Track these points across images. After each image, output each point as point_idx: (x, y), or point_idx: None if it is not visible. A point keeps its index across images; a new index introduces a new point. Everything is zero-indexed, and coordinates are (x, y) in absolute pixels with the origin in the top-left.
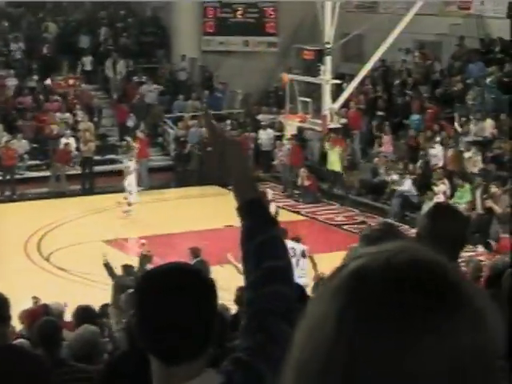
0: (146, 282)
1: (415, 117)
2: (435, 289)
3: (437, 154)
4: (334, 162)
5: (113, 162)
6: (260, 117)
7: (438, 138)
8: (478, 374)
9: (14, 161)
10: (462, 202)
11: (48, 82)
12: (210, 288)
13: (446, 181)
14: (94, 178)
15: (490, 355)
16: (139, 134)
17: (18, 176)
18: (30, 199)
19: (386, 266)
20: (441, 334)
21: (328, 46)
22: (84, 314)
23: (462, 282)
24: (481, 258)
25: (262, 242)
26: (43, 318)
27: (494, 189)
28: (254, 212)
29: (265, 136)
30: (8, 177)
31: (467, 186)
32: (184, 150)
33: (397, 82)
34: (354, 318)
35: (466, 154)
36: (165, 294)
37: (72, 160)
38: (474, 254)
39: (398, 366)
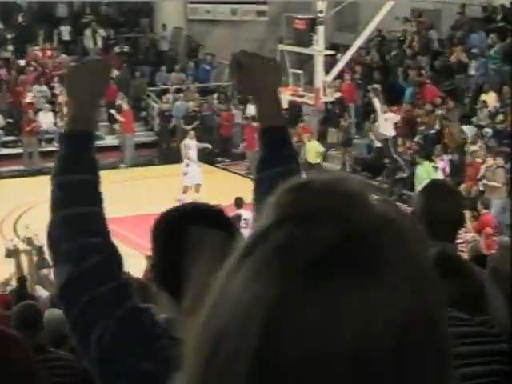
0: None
1: (410, 89)
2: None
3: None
4: (309, 153)
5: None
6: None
7: (439, 112)
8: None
9: None
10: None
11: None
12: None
13: (445, 157)
14: None
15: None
16: (124, 106)
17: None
18: (4, 177)
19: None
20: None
21: (321, 14)
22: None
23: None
24: None
25: (279, 173)
26: (23, 302)
27: (490, 161)
28: (278, 142)
29: (254, 110)
30: None
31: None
32: (169, 124)
33: (394, 52)
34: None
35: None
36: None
37: (38, 133)
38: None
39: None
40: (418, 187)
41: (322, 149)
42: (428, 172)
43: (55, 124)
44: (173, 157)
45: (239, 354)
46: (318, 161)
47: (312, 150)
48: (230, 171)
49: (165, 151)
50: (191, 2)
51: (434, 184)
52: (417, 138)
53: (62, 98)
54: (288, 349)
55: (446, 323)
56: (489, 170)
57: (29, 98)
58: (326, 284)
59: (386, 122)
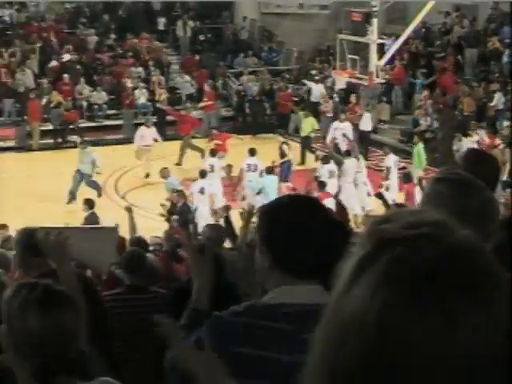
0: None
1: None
2: (473, 277)
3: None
4: (304, 129)
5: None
6: (313, 72)
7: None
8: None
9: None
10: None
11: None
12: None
13: (479, 131)
14: (165, 126)
15: None
16: (207, 89)
17: (97, 124)
18: (107, 144)
19: (427, 252)
20: (487, 309)
21: (375, 8)
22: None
23: (495, 266)
24: None
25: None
26: (130, 248)
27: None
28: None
29: (316, 89)
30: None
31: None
32: (243, 101)
33: (438, 42)
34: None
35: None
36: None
37: (135, 107)
38: None
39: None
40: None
41: (316, 126)
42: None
43: (148, 100)
44: (246, 128)
45: (364, 354)
46: (312, 135)
47: (307, 126)
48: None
49: (240, 124)
50: None
51: (471, 151)
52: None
53: (154, 78)
54: (405, 352)
55: None
56: None
57: (127, 77)
58: (442, 297)
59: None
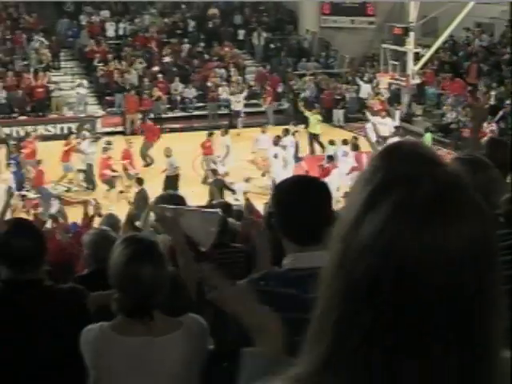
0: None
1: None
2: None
3: None
4: (312, 124)
5: (254, 105)
6: (361, 74)
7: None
8: (487, 253)
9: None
10: None
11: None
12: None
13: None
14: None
15: (494, 242)
16: (267, 87)
17: (188, 114)
18: (196, 130)
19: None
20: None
21: (412, 24)
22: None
23: (476, 195)
24: None
25: None
26: None
27: None
28: None
29: (365, 88)
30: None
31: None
32: (298, 98)
33: (461, 52)
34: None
35: None
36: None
37: (218, 101)
38: None
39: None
40: None
41: (320, 117)
42: None
43: (230, 94)
44: (299, 118)
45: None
46: (318, 127)
47: (314, 121)
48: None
49: (292, 116)
50: (323, 14)
51: (492, 138)
52: None
53: (234, 78)
54: (413, 260)
55: (497, 244)
56: None
57: (211, 78)
58: (441, 217)
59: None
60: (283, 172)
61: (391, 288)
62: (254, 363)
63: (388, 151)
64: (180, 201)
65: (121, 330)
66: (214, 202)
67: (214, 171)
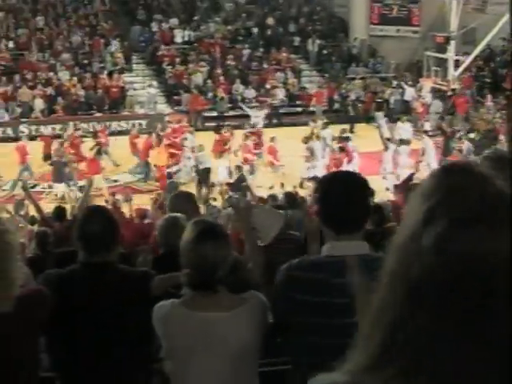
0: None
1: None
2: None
3: None
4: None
5: (297, 105)
6: (406, 79)
7: None
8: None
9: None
10: None
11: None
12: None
13: None
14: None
15: None
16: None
17: (242, 113)
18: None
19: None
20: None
21: (453, 34)
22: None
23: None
24: None
25: None
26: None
27: None
28: None
29: (409, 92)
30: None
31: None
32: (347, 101)
33: (497, 59)
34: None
35: None
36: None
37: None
38: None
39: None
40: None
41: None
42: None
43: (285, 96)
44: (344, 118)
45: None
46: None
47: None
48: None
49: (340, 116)
50: (372, 24)
51: None
52: None
53: (291, 81)
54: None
55: None
56: None
57: (270, 80)
58: (491, 229)
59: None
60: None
61: (448, 291)
62: None
63: (446, 169)
64: (191, 198)
65: (190, 305)
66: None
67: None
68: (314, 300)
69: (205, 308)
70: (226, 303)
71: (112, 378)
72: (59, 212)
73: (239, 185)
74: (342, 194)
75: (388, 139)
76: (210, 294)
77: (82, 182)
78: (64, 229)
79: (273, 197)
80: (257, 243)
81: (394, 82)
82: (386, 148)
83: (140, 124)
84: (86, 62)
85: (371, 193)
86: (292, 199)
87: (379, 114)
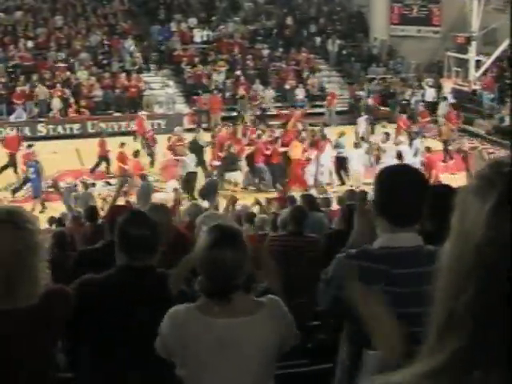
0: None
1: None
2: None
3: None
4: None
5: (317, 105)
6: (426, 80)
7: None
8: None
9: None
10: None
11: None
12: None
13: None
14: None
15: None
16: (331, 90)
17: (267, 112)
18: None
19: None
20: None
21: (474, 34)
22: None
23: None
24: None
25: None
26: (296, 204)
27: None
28: None
29: (429, 92)
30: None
31: None
32: (359, 101)
33: None
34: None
35: None
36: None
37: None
38: None
39: None
40: None
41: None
42: None
43: (305, 96)
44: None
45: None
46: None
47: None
48: None
49: (354, 116)
50: (392, 24)
51: None
52: None
53: (310, 81)
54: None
55: None
56: None
57: (289, 81)
58: None
59: None
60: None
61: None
62: (375, 363)
63: (499, 162)
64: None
65: (205, 310)
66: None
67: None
68: (374, 289)
69: (221, 314)
70: (242, 308)
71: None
72: (91, 212)
73: (208, 192)
74: (408, 186)
75: (362, 138)
76: (222, 300)
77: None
78: (94, 229)
79: (291, 198)
80: (273, 267)
81: (415, 83)
82: (356, 146)
83: (159, 124)
84: (104, 61)
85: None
86: (310, 201)
87: (363, 115)
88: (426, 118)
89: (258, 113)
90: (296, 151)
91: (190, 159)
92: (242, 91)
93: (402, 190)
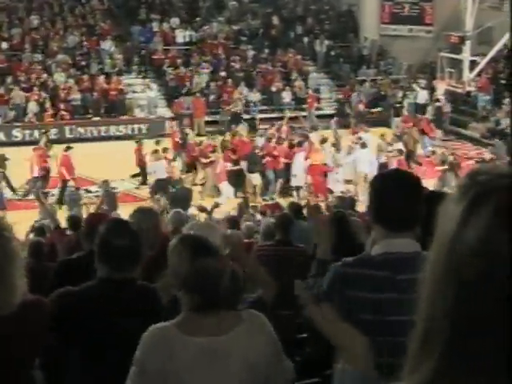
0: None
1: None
2: None
3: None
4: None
5: (320, 108)
6: (418, 81)
7: None
8: None
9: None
10: None
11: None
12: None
13: None
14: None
15: None
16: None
17: (252, 116)
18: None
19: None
20: None
21: (468, 33)
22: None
23: None
24: None
25: None
26: (282, 211)
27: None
28: None
29: (421, 95)
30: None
31: None
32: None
33: None
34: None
35: None
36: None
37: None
38: None
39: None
40: None
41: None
42: None
43: (291, 99)
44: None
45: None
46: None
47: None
48: None
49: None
50: (383, 23)
51: None
52: None
53: (297, 83)
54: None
55: None
56: None
57: (275, 83)
58: None
59: None
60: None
61: (503, 286)
62: (344, 378)
63: (475, 171)
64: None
65: (184, 327)
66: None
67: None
68: (379, 297)
69: (200, 331)
70: (222, 325)
71: None
72: (74, 221)
73: (180, 201)
74: (399, 190)
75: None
76: (208, 315)
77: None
78: (78, 239)
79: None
80: (267, 277)
81: (406, 85)
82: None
83: (139, 129)
84: (83, 63)
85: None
86: (297, 210)
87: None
88: (408, 123)
89: (229, 117)
90: (316, 156)
91: (161, 165)
92: (226, 94)
93: (394, 194)
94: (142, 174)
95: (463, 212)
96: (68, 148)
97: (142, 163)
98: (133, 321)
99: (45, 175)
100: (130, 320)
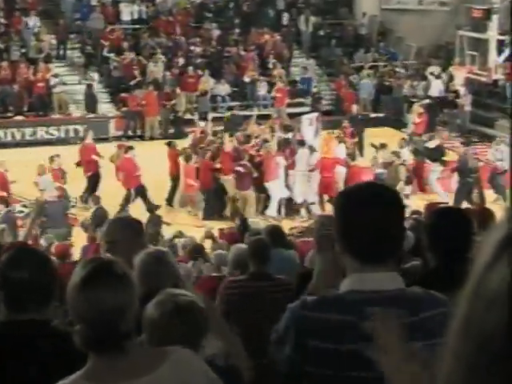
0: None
1: None
2: None
3: None
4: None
5: (302, 104)
6: (431, 68)
7: None
8: None
9: None
10: None
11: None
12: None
13: None
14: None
15: None
16: (279, 84)
17: (219, 115)
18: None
19: None
20: None
21: (495, 6)
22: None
23: None
24: None
25: None
26: (256, 236)
27: None
28: None
29: (436, 85)
30: None
31: None
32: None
33: None
34: None
35: None
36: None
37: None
38: None
39: None
40: None
41: None
42: None
43: (268, 91)
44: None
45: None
46: None
47: None
48: None
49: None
50: None
51: None
52: None
53: (276, 72)
54: None
55: None
56: None
57: (248, 71)
58: None
59: None
60: None
61: None
62: None
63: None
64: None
65: (92, 376)
66: None
67: None
68: (338, 348)
69: (113, 376)
70: (139, 365)
71: None
72: None
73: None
74: (364, 207)
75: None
76: (117, 357)
77: None
78: None
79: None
80: (229, 333)
81: (416, 72)
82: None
83: (76, 130)
84: (1, 46)
85: (405, 211)
86: (276, 234)
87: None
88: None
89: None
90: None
91: (47, 179)
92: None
93: (362, 214)
94: (175, 184)
95: (494, 250)
96: None
97: (177, 171)
98: (33, 370)
99: None
100: (30, 369)
